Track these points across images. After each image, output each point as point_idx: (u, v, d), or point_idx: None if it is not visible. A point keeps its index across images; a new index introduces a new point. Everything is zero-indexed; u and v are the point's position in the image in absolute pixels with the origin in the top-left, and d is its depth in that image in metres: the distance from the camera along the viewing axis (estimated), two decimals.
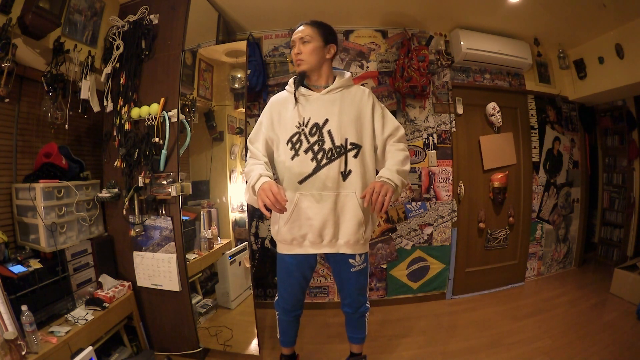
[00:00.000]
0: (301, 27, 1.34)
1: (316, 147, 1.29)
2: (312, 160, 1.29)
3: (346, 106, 1.33)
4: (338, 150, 1.29)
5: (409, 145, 2.55)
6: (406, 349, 1.95)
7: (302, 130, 1.31)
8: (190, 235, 2.04)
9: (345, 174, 1.29)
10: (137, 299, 1.87)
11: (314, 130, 1.30)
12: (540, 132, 2.96)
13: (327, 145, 1.29)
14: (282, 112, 1.36)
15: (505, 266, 2.85)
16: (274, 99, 1.41)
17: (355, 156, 1.30)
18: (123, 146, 1.81)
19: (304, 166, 1.29)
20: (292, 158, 1.31)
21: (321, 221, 1.28)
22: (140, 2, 1.93)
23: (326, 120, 1.30)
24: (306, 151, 1.30)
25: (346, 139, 1.30)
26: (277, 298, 1.53)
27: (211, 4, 2.14)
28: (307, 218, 1.29)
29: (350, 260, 1.37)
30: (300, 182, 1.29)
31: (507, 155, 2.81)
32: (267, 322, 2.19)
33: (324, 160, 1.28)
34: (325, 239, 1.31)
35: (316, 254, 1.40)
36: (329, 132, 1.29)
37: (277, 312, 1.55)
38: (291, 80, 1.39)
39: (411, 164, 2.55)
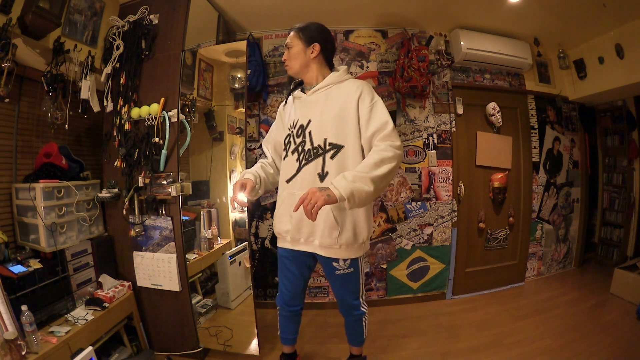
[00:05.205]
0: (289, 34, 1.36)
1: (300, 148, 1.33)
2: (297, 161, 1.33)
3: (329, 105, 1.29)
4: (315, 151, 1.29)
5: (408, 146, 2.55)
6: (406, 349, 1.95)
7: (292, 132, 1.36)
8: (190, 235, 2.04)
9: (322, 175, 1.27)
10: (137, 299, 1.87)
11: (299, 131, 1.34)
12: (540, 132, 2.96)
13: (307, 146, 1.30)
14: (284, 116, 1.46)
15: (505, 266, 2.85)
16: (282, 105, 1.51)
17: (333, 157, 1.25)
18: (123, 146, 1.81)
19: (290, 166, 1.34)
20: (284, 159, 1.38)
21: (297, 219, 1.31)
22: (140, 2, 1.93)
23: (309, 121, 1.32)
24: (293, 152, 1.34)
25: (325, 139, 1.27)
26: (278, 293, 1.54)
27: (211, 4, 2.14)
28: (289, 216, 1.33)
29: (334, 264, 1.34)
30: (287, 181, 1.35)
31: (502, 157, 2.80)
32: (267, 322, 2.19)
33: (303, 162, 1.31)
34: (302, 238, 1.34)
35: (312, 254, 1.39)
36: (310, 133, 1.31)
37: (278, 307, 1.56)
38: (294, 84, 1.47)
39: (411, 163, 2.60)
